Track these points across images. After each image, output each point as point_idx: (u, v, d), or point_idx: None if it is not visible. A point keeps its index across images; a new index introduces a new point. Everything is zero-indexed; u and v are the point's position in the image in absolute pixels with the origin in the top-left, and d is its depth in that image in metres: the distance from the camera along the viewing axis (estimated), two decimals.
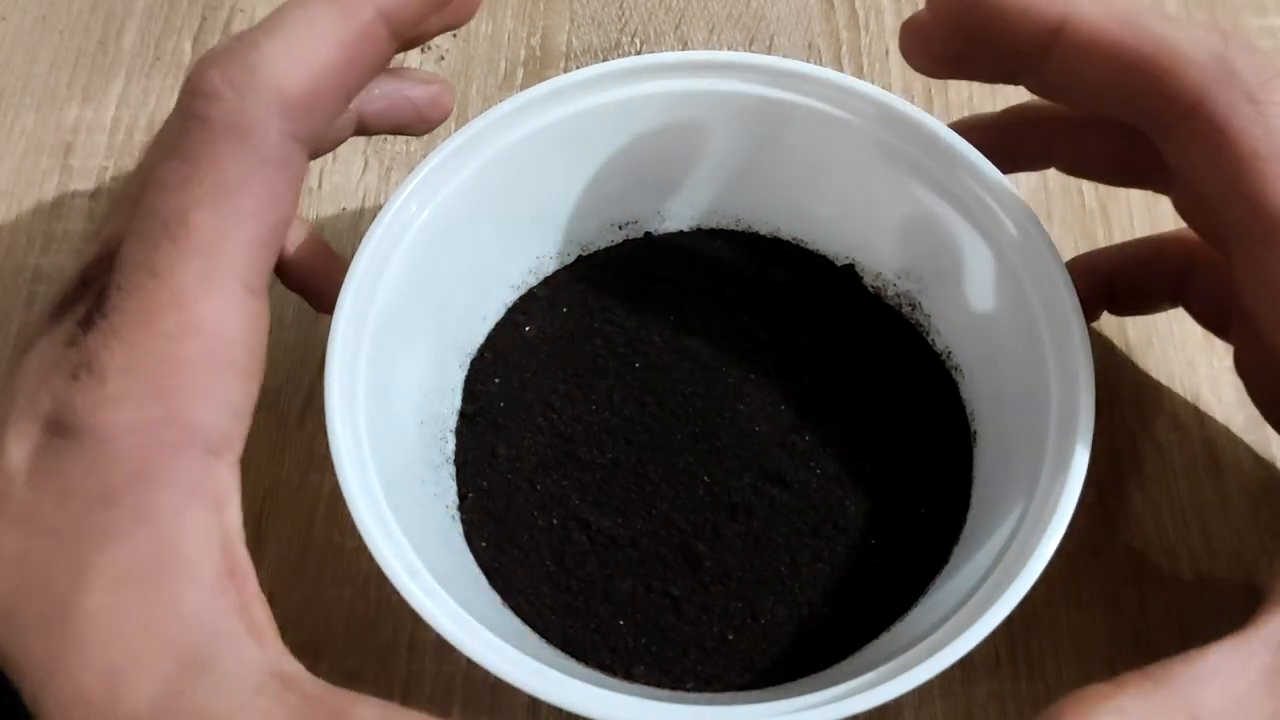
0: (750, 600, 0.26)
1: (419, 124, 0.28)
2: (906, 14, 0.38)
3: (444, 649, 0.22)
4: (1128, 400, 0.31)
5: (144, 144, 0.36)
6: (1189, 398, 0.31)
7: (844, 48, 0.38)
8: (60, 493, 0.19)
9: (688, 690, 0.25)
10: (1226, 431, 0.31)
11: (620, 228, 0.31)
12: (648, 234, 0.31)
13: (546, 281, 0.31)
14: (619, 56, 0.35)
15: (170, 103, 0.32)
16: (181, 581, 0.19)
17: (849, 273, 0.31)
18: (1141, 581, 0.29)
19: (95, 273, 0.22)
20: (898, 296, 0.30)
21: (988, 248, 0.27)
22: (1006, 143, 0.28)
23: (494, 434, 0.28)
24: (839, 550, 0.27)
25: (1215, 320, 0.28)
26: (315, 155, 0.25)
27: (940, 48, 0.26)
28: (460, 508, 0.27)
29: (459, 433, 0.28)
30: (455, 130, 0.27)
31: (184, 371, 0.20)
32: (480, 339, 0.30)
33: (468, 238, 0.28)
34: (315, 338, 0.32)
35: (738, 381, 0.29)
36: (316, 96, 0.22)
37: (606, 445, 0.28)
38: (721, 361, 0.29)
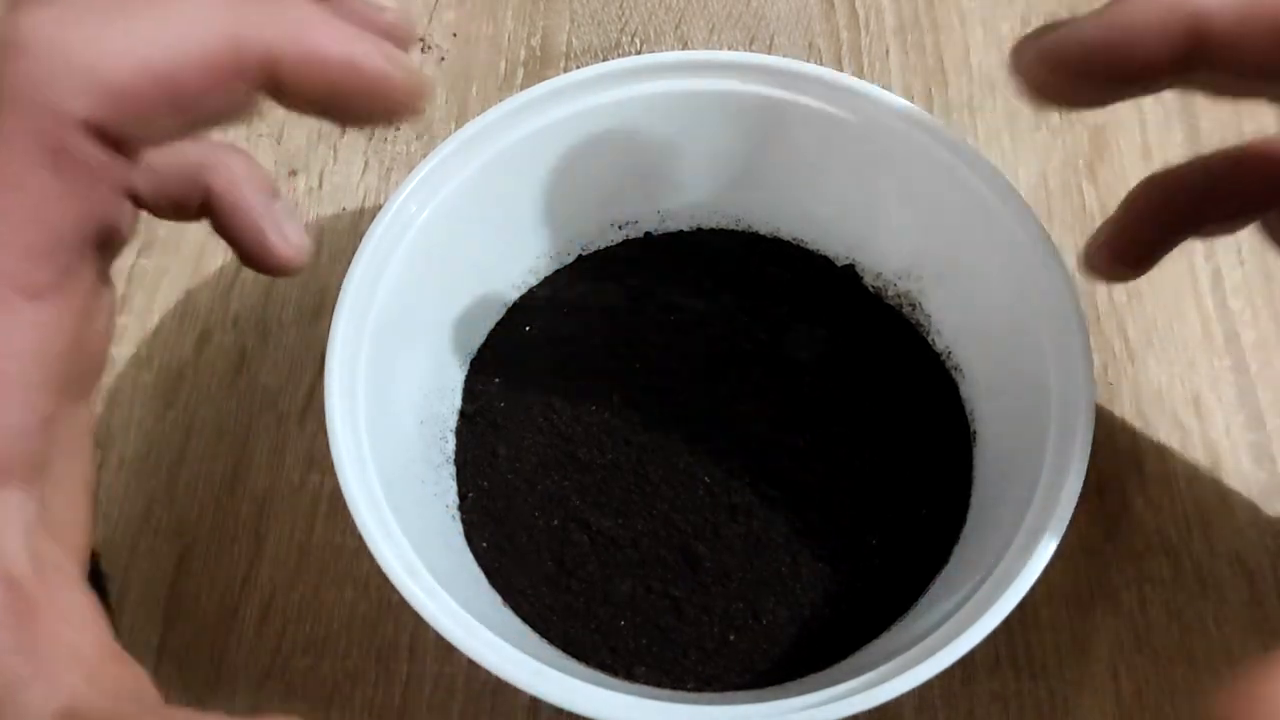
0: (750, 600, 0.26)
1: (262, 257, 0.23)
2: (906, 14, 0.38)
3: (444, 649, 0.22)
4: (1128, 400, 0.31)
5: None
6: (1189, 398, 0.31)
7: (844, 48, 0.38)
8: None
9: (688, 690, 0.25)
10: (1227, 431, 0.31)
11: (620, 228, 0.31)
12: (648, 234, 0.31)
13: (546, 281, 0.31)
14: (619, 56, 0.35)
15: None
16: None
17: (849, 273, 0.31)
18: (1141, 581, 0.29)
19: None
20: (898, 296, 0.30)
21: (988, 248, 0.27)
22: (1205, 201, 0.25)
23: (494, 434, 0.28)
24: (839, 550, 0.27)
25: None
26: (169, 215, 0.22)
27: (1071, 93, 0.23)
28: (460, 508, 0.27)
29: (459, 433, 0.28)
30: (455, 130, 0.27)
31: None
32: (480, 339, 0.30)
33: (468, 238, 0.28)
34: (315, 338, 0.32)
35: (738, 381, 0.29)
36: (142, 102, 0.18)
37: (607, 446, 0.28)
38: (721, 361, 0.29)
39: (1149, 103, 0.36)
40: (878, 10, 0.39)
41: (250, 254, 0.24)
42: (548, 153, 0.28)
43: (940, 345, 0.30)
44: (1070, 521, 0.23)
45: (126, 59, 0.17)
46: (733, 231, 0.32)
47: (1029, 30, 0.22)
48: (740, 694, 0.25)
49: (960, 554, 0.26)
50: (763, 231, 0.31)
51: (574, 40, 0.38)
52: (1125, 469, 0.30)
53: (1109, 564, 0.29)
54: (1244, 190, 0.26)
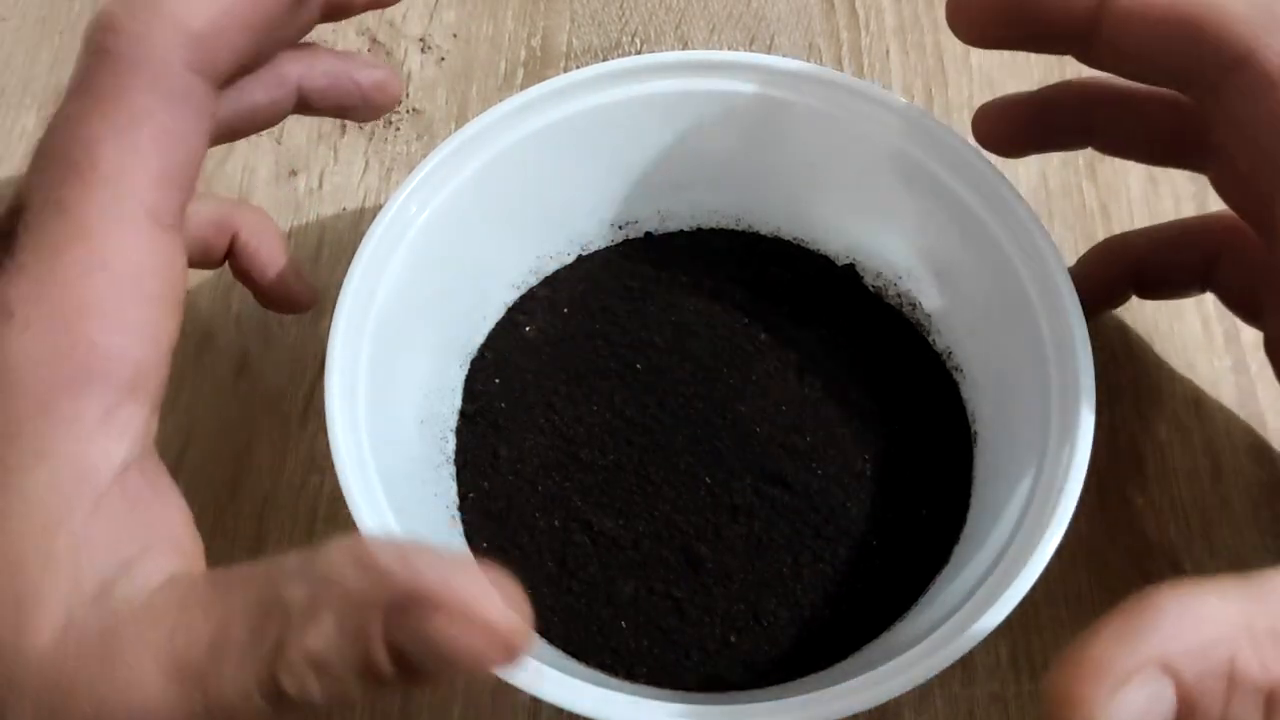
0: (752, 601, 0.26)
1: (363, 107, 0.27)
2: (906, 14, 0.38)
3: None
4: (1128, 400, 0.31)
5: None
6: (1189, 398, 0.31)
7: (844, 48, 0.38)
8: None
9: (689, 690, 0.25)
10: (1227, 432, 0.31)
11: (620, 228, 0.31)
12: (648, 234, 0.31)
13: (546, 281, 0.31)
14: (619, 56, 0.35)
15: None
16: (76, 516, 0.19)
17: (849, 273, 0.31)
18: (1142, 582, 0.29)
19: (8, 225, 0.21)
20: (898, 296, 0.30)
21: (988, 247, 0.27)
22: (1044, 119, 0.28)
23: (495, 434, 0.28)
24: (840, 551, 0.27)
25: (1245, 305, 0.28)
26: (255, 127, 0.25)
27: (991, 29, 0.26)
28: (461, 508, 0.27)
29: (459, 433, 0.28)
30: (455, 130, 0.27)
31: (91, 304, 0.20)
32: (481, 339, 0.30)
33: (468, 238, 0.28)
34: (315, 338, 0.32)
35: (738, 381, 0.29)
36: (220, 32, 0.21)
37: (608, 446, 0.28)
38: (722, 361, 0.29)
39: None
40: (878, 10, 0.39)
41: (269, 293, 0.29)
42: (548, 153, 0.28)
43: (940, 345, 0.30)
44: (1070, 521, 0.23)
45: (197, 5, 0.21)
46: (733, 231, 0.32)
47: None
48: (741, 694, 0.25)
49: (960, 554, 0.26)
50: (763, 231, 0.31)
51: (574, 40, 0.38)
52: (1125, 469, 0.30)
53: (1109, 564, 0.29)
54: (1183, 263, 0.29)
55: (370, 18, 0.38)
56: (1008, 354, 0.27)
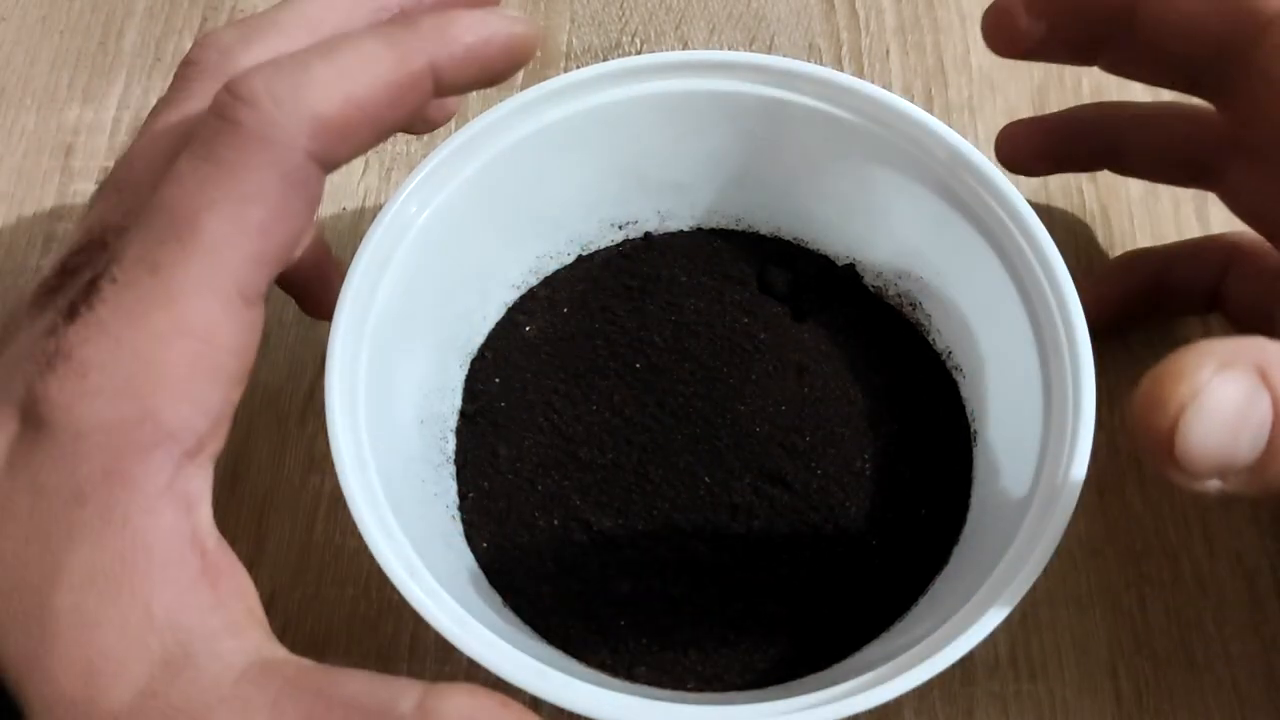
0: (751, 600, 0.26)
1: (420, 123, 0.28)
2: (907, 14, 0.38)
3: (445, 649, 0.22)
4: (1128, 400, 0.31)
5: None
6: None
7: (844, 48, 0.38)
8: (33, 487, 0.19)
9: (688, 690, 0.25)
10: None
11: (620, 228, 0.31)
12: (648, 234, 0.31)
13: (546, 281, 0.31)
14: (619, 56, 0.35)
15: None
16: (151, 582, 0.19)
17: (849, 272, 0.31)
18: (1141, 582, 0.29)
19: (78, 261, 0.22)
20: (898, 296, 0.30)
21: (988, 247, 0.27)
22: (1067, 141, 0.29)
23: (494, 434, 0.28)
24: (839, 550, 0.27)
25: (1253, 322, 0.29)
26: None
27: (1026, 24, 0.27)
28: (461, 508, 0.27)
29: (459, 433, 0.28)
30: (455, 130, 0.27)
31: (166, 373, 0.20)
32: (480, 339, 0.30)
33: (468, 238, 0.28)
34: (315, 338, 0.32)
35: (738, 381, 0.29)
36: (350, 128, 0.21)
37: (607, 446, 0.28)
38: (721, 361, 0.29)
39: None
40: (878, 10, 0.39)
41: (317, 302, 0.30)
42: (548, 153, 0.28)
43: (940, 345, 0.30)
44: (1070, 522, 0.23)
45: (335, 98, 0.21)
46: (733, 231, 0.32)
47: None
48: (740, 694, 0.25)
49: (960, 554, 0.26)
50: (763, 231, 0.31)
51: (574, 40, 0.38)
52: (1125, 469, 0.30)
53: (1109, 564, 0.29)
54: (1197, 277, 0.30)
55: None
56: (1008, 354, 0.27)
